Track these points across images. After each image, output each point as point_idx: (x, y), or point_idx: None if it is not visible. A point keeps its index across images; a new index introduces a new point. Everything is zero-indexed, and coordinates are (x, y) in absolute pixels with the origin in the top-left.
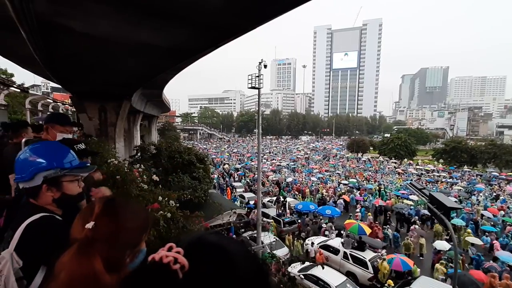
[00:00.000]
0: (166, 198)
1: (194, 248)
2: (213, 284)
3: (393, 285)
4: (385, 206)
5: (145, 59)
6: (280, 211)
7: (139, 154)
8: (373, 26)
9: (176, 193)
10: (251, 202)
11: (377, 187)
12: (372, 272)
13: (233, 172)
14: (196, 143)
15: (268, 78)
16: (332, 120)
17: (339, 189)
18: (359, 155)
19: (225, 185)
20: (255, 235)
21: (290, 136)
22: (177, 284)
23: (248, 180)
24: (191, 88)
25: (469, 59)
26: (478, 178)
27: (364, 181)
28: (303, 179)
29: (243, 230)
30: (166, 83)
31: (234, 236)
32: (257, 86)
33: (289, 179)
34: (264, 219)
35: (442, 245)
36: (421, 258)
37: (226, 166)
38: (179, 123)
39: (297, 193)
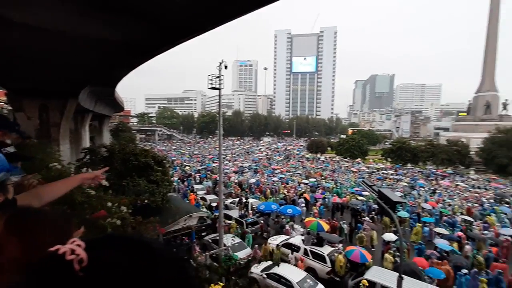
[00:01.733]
0: (117, 204)
1: (98, 242)
2: (112, 277)
3: (367, 284)
4: (342, 203)
5: (94, 54)
6: (242, 212)
7: (88, 157)
8: (329, 33)
9: (128, 198)
10: (213, 205)
11: (334, 186)
12: (330, 266)
13: (193, 174)
14: (154, 144)
15: (229, 79)
16: (293, 122)
17: (299, 189)
18: (318, 155)
19: (187, 189)
20: (218, 237)
21: (252, 137)
22: (73, 274)
23: (211, 182)
24: (148, 87)
25: (411, 68)
26: (419, 174)
27: (323, 180)
28: (265, 180)
29: (205, 233)
30: (119, 80)
31: (194, 240)
32: (217, 86)
33: (252, 180)
34: (226, 221)
35: (389, 236)
36: (372, 249)
37: (187, 168)
38: (135, 123)
39: (259, 193)
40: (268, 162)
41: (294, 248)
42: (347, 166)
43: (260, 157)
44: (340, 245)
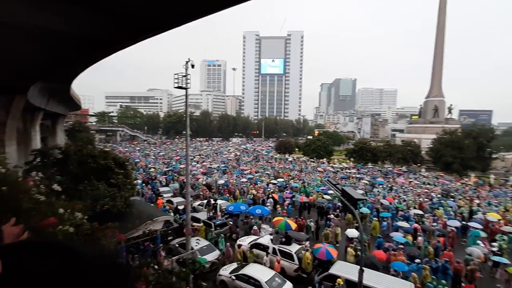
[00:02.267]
0: (70, 210)
1: (14, 247)
2: (28, 283)
3: (342, 283)
4: (309, 202)
5: (45, 47)
6: (211, 214)
7: (38, 160)
8: (296, 37)
9: (84, 203)
10: (181, 207)
11: (302, 185)
12: (298, 263)
13: (159, 176)
14: (115, 145)
15: (197, 78)
16: (261, 123)
17: (268, 189)
18: (286, 155)
19: (153, 193)
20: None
21: (221, 138)
22: None
23: (178, 184)
24: (109, 84)
25: (371, 73)
26: (378, 173)
27: (291, 180)
28: (234, 181)
29: (171, 237)
30: (75, 76)
31: (160, 245)
32: (184, 86)
33: (221, 181)
34: (194, 223)
35: (352, 232)
36: (337, 245)
37: (152, 170)
38: (94, 123)
39: (228, 195)
40: (237, 163)
41: (262, 247)
42: (313, 166)
43: (229, 158)
44: (307, 243)
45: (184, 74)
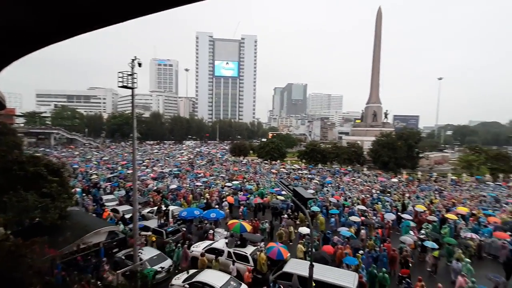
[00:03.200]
0: None
1: None
2: None
3: (314, 284)
4: (263, 203)
5: None
6: (162, 221)
7: None
8: (250, 41)
9: (6, 216)
10: (128, 216)
11: (256, 187)
12: (253, 265)
13: (103, 183)
14: (49, 150)
15: (146, 78)
16: (216, 125)
17: (223, 192)
18: (241, 158)
19: (95, 203)
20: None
21: (173, 141)
22: None
23: (124, 191)
24: (42, 81)
25: (321, 79)
26: (327, 173)
27: (246, 183)
28: (188, 185)
29: (117, 249)
30: None
31: (104, 258)
32: (130, 85)
33: (173, 186)
34: (143, 233)
35: (304, 230)
36: (290, 243)
37: (94, 176)
38: (22, 124)
39: (181, 200)
40: (190, 166)
41: (217, 252)
42: (267, 168)
43: (182, 162)
44: (262, 244)
45: (130, 73)
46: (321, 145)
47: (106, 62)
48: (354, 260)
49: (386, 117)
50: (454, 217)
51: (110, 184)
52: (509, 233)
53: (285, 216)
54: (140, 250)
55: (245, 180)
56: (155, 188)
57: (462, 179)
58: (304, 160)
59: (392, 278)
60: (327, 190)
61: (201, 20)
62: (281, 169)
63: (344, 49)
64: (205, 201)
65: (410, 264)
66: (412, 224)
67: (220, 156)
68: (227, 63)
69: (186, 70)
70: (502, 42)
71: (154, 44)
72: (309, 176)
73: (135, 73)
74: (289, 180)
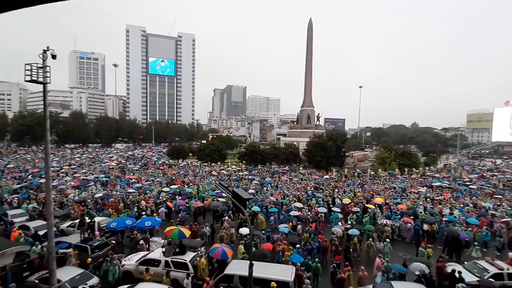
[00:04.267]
0: None
1: None
2: None
3: (275, 285)
4: (204, 206)
5: None
6: (86, 236)
7: None
8: (187, 40)
9: None
10: (42, 233)
11: (196, 190)
12: (193, 271)
13: (6, 196)
14: None
15: (65, 72)
16: (151, 127)
17: (160, 198)
18: (180, 161)
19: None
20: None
21: (100, 144)
22: None
23: (36, 204)
24: None
25: (260, 82)
26: (267, 173)
27: (185, 186)
28: (118, 193)
29: (28, 273)
30: None
31: (12, 284)
32: (41, 80)
33: (99, 195)
34: (61, 250)
35: (244, 230)
36: (232, 245)
37: None
38: None
39: (110, 209)
40: (121, 172)
41: (153, 263)
42: (207, 171)
43: (111, 167)
44: (202, 249)
45: (41, 66)
46: (261, 146)
47: (12, 52)
48: (299, 258)
49: (318, 119)
50: (372, 207)
51: (17, 196)
52: (413, 217)
53: (226, 218)
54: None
55: (184, 183)
56: (77, 198)
57: (379, 173)
58: (244, 161)
59: (325, 266)
60: (267, 189)
61: (131, 14)
62: (222, 171)
63: (282, 54)
64: (136, 209)
65: (353, 256)
66: (340, 215)
67: (156, 159)
68: (162, 61)
69: (115, 65)
70: (408, 57)
71: (75, 35)
72: (250, 177)
73: (48, 66)
74: (230, 181)
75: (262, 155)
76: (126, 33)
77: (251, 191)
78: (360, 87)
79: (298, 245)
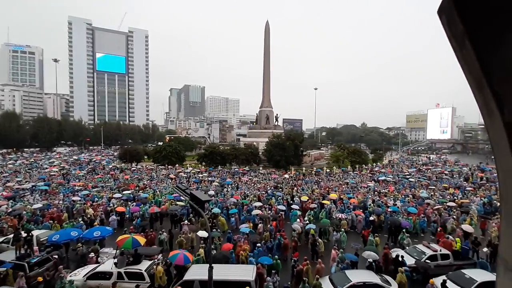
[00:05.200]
0: None
1: None
2: None
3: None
4: (161, 211)
5: None
6: (23, 252)
7: None
8: (139, 35)
9: None
10: None
11: (152, 195)
12: (149, 281)
13: None
14: None
15: None
16: (99, 128)
17: (110, 205)
18: (133, 164)
19: None
20: None
21: (38, 148)
22: None
23: None
24: None
25: (218, 82)
26: (227, 174)
27: (140, 191)
28: (62, 202)
29: None
30: None
31: None
32: None
33: (37, 206)
34: None
35: (203, 233)
36: (192, 249)
37: None
38: None
39: (51, 221)
40: (64, 178)
41: (103, 276)
42: (164, 174)
43: (52, 174)
44: (160, 256)
45: None
46: (221, 147)
47: None
48: (269, 260)
49: (277, 120)
50: (328, 202)
51: None
52: (362, 210)
53: (186, 222)
54: None
55: (138, 188)
56: (10, 210)
57: (333, 170)
58: (204, 163)
59: (285, 263)
60: (227, 190)
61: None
62: (180, 174)
63: (241, 55)
64: (87, 217)
65: (317, 249)
66: (299, 213)
67: (105, 163)
68: (111, 56)
69: (55, 60)
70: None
71: (8, 26)
72: (209, 178)
73: None
74: (189, 184)
75: (222, 156)
76: (69, 26)
77: (211, 192)
78: (315, 89)
79: (259, 244)
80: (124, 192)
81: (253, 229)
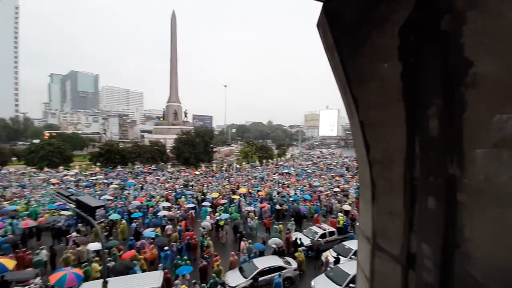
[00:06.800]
0: None
1: None
2: None
3: None
4: (37, 225)
5: None
6: None
7: None
8: (7, 6)
9: None
10: None
11: (24, 206)
12: None
13: None
14: None
15: None
16: None
17: None
18: None
19: None
20: None
21: None
22: None
23: None
24: None
25: (117, 71)
26: (129, 174)
27: (5, 203)
28: None
29: None
30: None
31: None
32: None
33: None
34: None
35: (94, 246)
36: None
37: None
38: None
39: None
40: None
41: None
42: (43, 179)
43: None
44: (38, 279)
45: None
46: (121, 145)
47: None
48: (189, 268)
49: (186, 116)
50: (237, 197)
51: None
52: (269, 201)
53: (74, 234)
54: None
55: (3, 199)
56: None
57: (243, 166)
58: (98, 163)
59: (194, 263)
60: (129, 193)
61: None
62: (66, 177)
63: (145, 44)
64: None
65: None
66: (209, 209)
67: None
68: None
69: None
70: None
71: None
72: (106, 181)
73: None
74: (79, 189)
75: (122, 154)
76: None
77: (107, 197)
78: (225, 86)
79: (166, 247)
80: None
81: (161, 232)
